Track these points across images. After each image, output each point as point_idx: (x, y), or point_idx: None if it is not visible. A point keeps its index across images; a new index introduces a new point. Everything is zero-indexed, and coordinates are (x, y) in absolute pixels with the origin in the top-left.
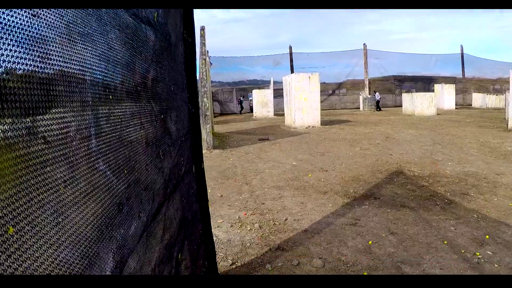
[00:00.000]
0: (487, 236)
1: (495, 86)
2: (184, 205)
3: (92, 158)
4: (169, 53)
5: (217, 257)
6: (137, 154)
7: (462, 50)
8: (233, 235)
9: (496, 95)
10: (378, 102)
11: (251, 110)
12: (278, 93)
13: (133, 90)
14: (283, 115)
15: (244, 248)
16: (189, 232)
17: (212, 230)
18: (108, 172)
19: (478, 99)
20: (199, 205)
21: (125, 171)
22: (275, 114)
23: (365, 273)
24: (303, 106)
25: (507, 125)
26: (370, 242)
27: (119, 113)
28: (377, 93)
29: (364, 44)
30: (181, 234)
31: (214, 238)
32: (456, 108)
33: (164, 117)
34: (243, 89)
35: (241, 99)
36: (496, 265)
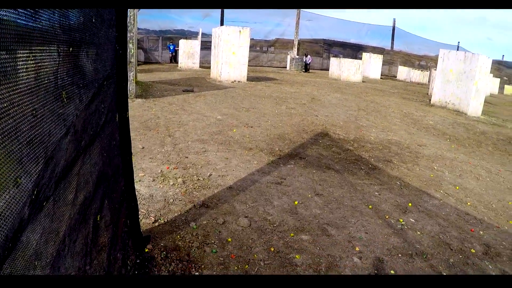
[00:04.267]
0: (410, 204)
1: (420, 62)
2: (104, 159)
3: None
4: None
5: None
6: (13, 92)
7: (394, 23)
8: (156, 190)
9: (421, 70)
10: (307, 64)
11: (171, 61)
12: (205, 45)
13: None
14: (209, 67)
15: (167, 204)
16: (109, 189)
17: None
18: None
19: (403, 72)
20: (121, 159)
21: None
22: (200, 66)
23: (292, 234)
24: (231, 60)
25: (430, 100)
26: (296, 202)
27: None
28: (308, 56)
29: None
30: (100, 192)
31: (136, 194)
32: (381, 78)
33: (75, 51)
34: (170, 38)
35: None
36: (418, 232)
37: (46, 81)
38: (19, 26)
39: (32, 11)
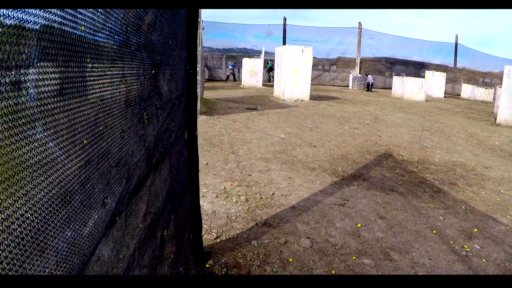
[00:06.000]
0: (475, 230)
1: (485, 79)
2: (173, 176)
3: (23, 120)
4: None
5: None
6: (109, 116)
7: (456, 39)
8: (218, 206)
9: (486, 88)
10: (369, 84)
11: (227, 78)
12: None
13: (118, 29)
14: (271, 86)
15: (230, 221)
16: (176, 205)
17: None
18: (51, 144)
19: (467, 90)
20: (188, 175)
21: (84, 141)
22: (263, 85)
23: (354, 258)
24: (294, 79)
25: (495, 119)
26: (358, 225)
27: (90, 54)
28: (369, 75)
29: (360, 22)
30: (168, 207)
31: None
32: (444, 97)
33: (156, 73)
34: (233, 57)
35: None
36: (483, 260)
37: (133, 104)
38: (112, 48)
39: (124, 37)
